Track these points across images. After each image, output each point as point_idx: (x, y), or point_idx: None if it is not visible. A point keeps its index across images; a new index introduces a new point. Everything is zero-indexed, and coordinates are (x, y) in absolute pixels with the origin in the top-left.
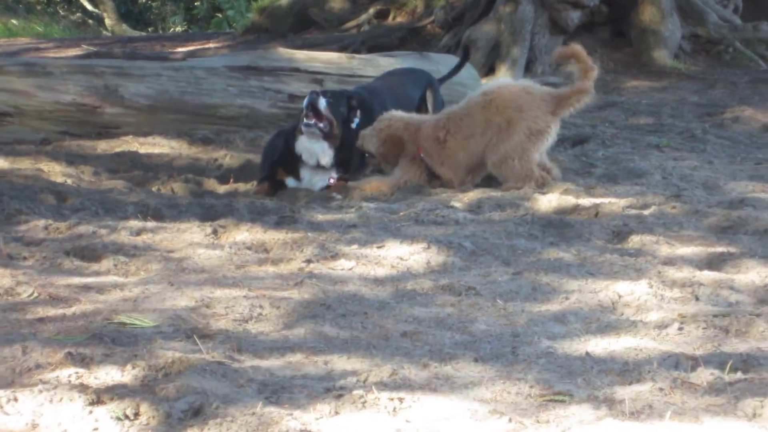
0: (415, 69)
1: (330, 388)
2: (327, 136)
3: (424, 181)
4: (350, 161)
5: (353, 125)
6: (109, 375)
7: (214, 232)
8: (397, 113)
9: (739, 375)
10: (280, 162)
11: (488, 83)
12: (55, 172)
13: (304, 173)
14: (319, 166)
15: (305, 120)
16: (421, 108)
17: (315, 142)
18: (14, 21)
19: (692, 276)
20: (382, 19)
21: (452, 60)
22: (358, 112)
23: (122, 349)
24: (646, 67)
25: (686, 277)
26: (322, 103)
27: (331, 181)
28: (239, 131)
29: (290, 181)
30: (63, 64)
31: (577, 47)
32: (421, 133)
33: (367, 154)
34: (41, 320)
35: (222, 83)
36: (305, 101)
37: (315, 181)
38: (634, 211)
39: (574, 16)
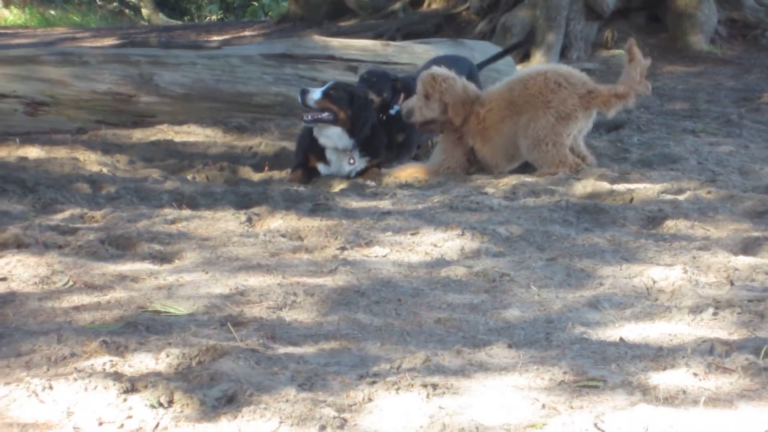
0: (458, 56)
1: (363, 375)
2: (334, 122)
3: (465, 167)
4: (372, 142)
5: (392, 110)
6: (143, 363)
7: (249, 219)
8: (447, 72)
9: None
10: (310, 148)
11: (526, 68)
12: (91, 161)
13: (331, 156)
14: (341, 150)
15: (303, 117)
16: None
17: (325, 130)
18: (52, 11)
19: (727, 261)
20: (417, 6)
21: (487, 46)
22: (402, 96)
23: (156, 337)
24: (681, 52)
25: (721, 262)
26: (312, 97)
27: (352, 161)
28: (274, 119)
29: (321, 167)
30: (99, 53)
31: (640, 55)
32: (474, 107)
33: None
34: (76, 309)
35: (257, 71)
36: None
37: (342, 164)
38: (668, 197)
39: (610, 2)
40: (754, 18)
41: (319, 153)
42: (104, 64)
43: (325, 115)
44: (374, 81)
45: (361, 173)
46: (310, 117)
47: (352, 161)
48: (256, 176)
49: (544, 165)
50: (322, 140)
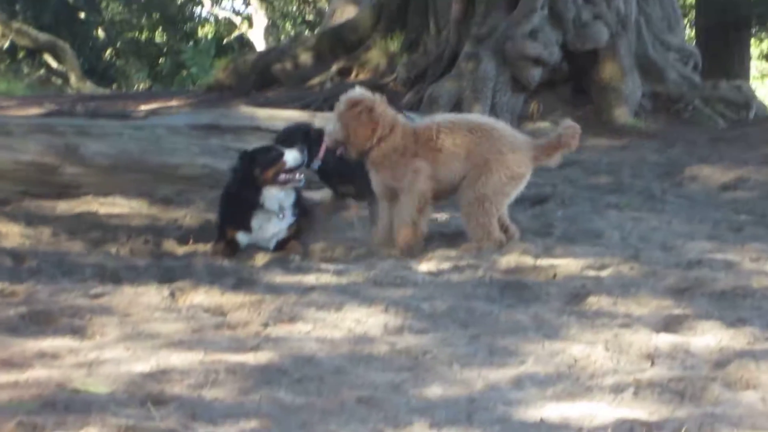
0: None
1: None
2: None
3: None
4: (300, 198)
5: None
6: None
7: (172, 294)
8: (367, 93)
9: None
10: (228, 219)
11: (478, 115)
12: (13, 233)
13: (255, 222)
14: (281, 208)
15: (298, 176)
16: None
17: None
18: None
19: (649, 339)
20: (344, 77)
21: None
22: (323, 147)
23: (75, 416)
24: (606, 125)
25: (642, 340)
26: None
27: (282, 216)
28: (200, 191)
29: (241, 236)
30: (23, 122)
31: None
32: (419, 132)
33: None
34: None
35: (183, 142)
36: (292, 159)
37: (268, 226)
38: (592, 273)
39: (536, 74)
40: (677, 92)
41: (239, 221)
42: (29, 134)
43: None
44: (285, 137)
45: (282, 243)
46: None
47: (281, 217)
48: (181, 249)
49: (473, 229)
50: (269, 203)
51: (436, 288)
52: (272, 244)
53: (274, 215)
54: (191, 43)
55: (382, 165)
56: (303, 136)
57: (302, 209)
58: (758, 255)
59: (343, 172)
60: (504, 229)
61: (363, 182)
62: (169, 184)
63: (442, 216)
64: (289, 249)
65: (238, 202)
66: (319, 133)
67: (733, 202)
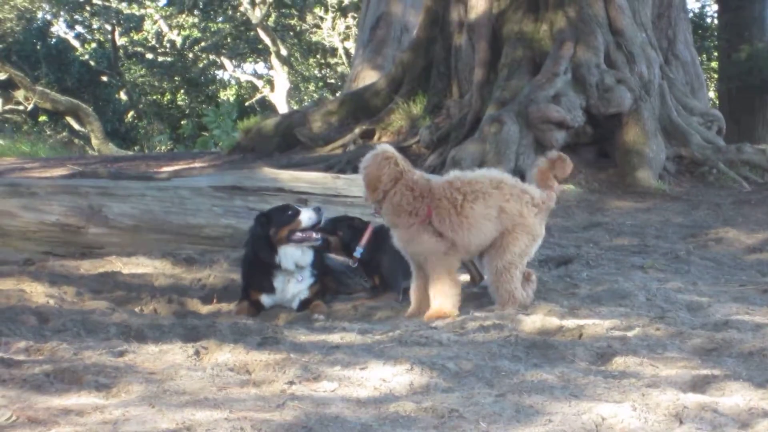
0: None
1: None
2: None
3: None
4: (317, 260)
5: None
6: None
7: (197, 353)
8: (389, 148)
9: None
10: (251, 282)
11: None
12: (38, 292)
13: (278, 283)
14: (299, 267)
15: (315, 235)
16: None
17: (305, 250)
18: (0, 141)
19: (676, 399)
20: (367, 139)
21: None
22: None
23: None
24: (630, 188)
25: (670, 400)
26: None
27: (300, 279)
28: (223, 251)
29: (265, 298)
30: (47, 184)
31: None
32: (434, 190)
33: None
34: None
35: (207, 203)
36: (311, 218)
37: (288, 287)
38: (618, 333)
39: (559, 137)
40: (701, 155)
41: (262, 282)
42: (53, 195)
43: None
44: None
45: (305, 303)
46: (321, 236)
47: (300, 278)
48: (205, 309)
49: (501, 294)
50: (285, 261)
51: (462, 347)
52: (296, 304)
53: (294, 275)
54: (213, 105)
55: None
56: (348, 224)
57: (324, 269)
58: None
59: (373, 263)
60: (525, 277)
61: (390, 273)
62: (193, 244)
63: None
64: (312, 308)
65: (258, 263)
66: (364, 224)
67: (758, 264)
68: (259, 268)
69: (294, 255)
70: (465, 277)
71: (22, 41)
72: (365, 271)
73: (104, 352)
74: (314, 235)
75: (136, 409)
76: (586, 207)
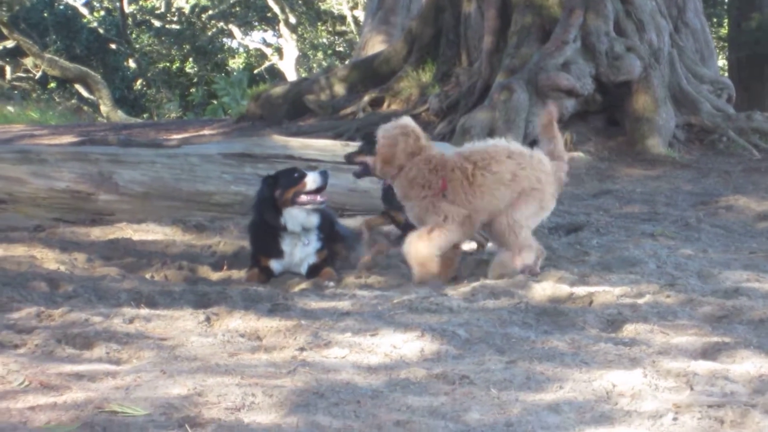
0: None
1: None
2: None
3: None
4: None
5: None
6: None
7: (207, 319)
8: (409, 122)
9: None
10: (260, 247)
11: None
12: (49, 259)
13: (286, 246)
14: (306, 230)
15: (319, 198)
16: None
17: (295, 211)
18: (10, 108)
19: (687, 366)
20: (376, 107)
21: (446, 147)
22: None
23: None
24: (640, 156)
25: (681, 367)
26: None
27: (307, 243)
28: (233, 218)
29: (274, 264)
30: (57, 151)
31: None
32: (448, 162)
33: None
34: (32, 409)
35: (216, 170)
36: (316, 180)
37: (296, 251)
38: (628, 300)
39: (569, 105)
40: (711, 123)
41: (270, 247)
42: (63, 162)
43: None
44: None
45: (314, 269)
46: (324, 199)
47: (306, 242)
48: (215, 275)
49: (510, 244)
50: (291, 224)
51: (472, 314)
52: (304, 269)
53: (300, 238)
54: (222, 73)
55: (407, 197)
56: None
57: (334, 236)
58: None
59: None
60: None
61: None
62: (203, 211)
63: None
64: (323, 275)
65: (265, 226)
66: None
67: None
68: (266, 232)
69: (299, 217)
70: (472, 245)
71: (30, 9)
72: (390, 204)
73: (115, 319)
74: (318, 198)
75: (148, 374)
76: (595, 174)
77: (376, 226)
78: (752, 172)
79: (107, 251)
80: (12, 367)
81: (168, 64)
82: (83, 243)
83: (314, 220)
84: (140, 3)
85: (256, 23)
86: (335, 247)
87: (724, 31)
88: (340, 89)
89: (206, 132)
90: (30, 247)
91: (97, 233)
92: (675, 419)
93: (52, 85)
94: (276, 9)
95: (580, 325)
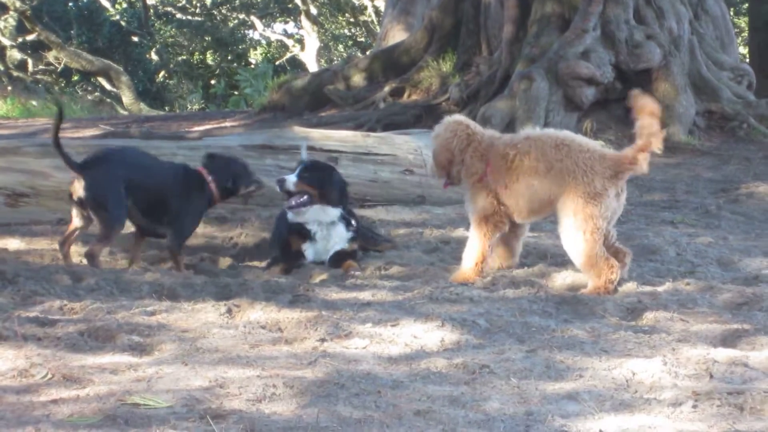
0: None
1: None
2: (311, 202)
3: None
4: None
5: None
6: None
7: (229, 311)
8: (462, 118)
9: None
10: (291, 231)
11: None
12: (71, 252)
13: (315, 229)
14: (327, 222)
15: (285, 204)
16: None
17: (306, 212)
18: (33, 102)
19: (707, 353)
20: (397, 97)
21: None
22: None
23: (136, 430)
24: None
25: (700, 355)
26: (290, 182)
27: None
28: (254, 209)
29: (307, 247)
30: (80, 144)
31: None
32: (493, 148)
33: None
34: (54, 402)
35: None
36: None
37: (330, 235)
38: (648, 288)
39: (589, 93)
40: (731, 110)
41: (303, 232)
42: (85, 155)
43: (304, 198)
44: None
45: (339, 256)
46: (293, 203)
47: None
48: (237, 267)
49: (577, 256)
50: (310, 226)
51: (492, 303)
52: (329, 256)
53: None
54: (243, 64)
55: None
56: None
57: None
58: None
59: None
60: (616, 252)
61: None
62: (224, 203)
63: None
64: (346, 268)
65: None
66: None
67: None
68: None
69: (306, 216)
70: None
71: (53, 2)
72: None
73: (137, 311)
74: (291, 201)
75: (170, 366)
76: None
77: None
78: None
79: (129, 244)
80: (35, 360)
81: (189, 56)
82: None
83: (331, 213)
84: None
85: (278, 14)
86: (363, 240)
87: (744, 18)
88: (360, 80)
89: (228, 123)
90: (53, 240)
91: None
92: (695, 407)
93: (76, 78)
94: (297, 0)
95: (600, 313)
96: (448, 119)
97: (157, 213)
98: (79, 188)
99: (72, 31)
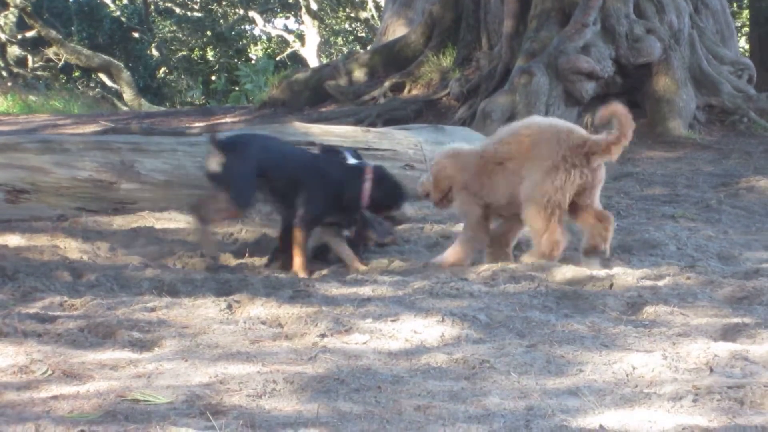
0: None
1: None
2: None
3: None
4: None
5: None
6: None
7: (229, 307)
8: (452, 147)
9: None
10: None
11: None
12: (72, 248)
13: None
14: None
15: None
16: None
17: None
18: (33, 98)
19: (707, 347)
20: (397, 92)
21: (466, 132)
22: None
23: (136, 426)
24: (660, 137)
25: (701, 349)
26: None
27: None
28: (255, 205)
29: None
30: (80, 140)
31: (618, 106)
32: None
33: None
34: (55, 398)
35: None
36: None
37: None
38: (648, 282)
39: (589, 87)
40: (731, 104)
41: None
42: (85, 152)
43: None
44: None
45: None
46: None
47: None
48: (237, 263)
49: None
50: None
51: (492, 298)
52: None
53: None
54: (243, 60)
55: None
56: None
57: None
58: None
59: None
60: (598, 217)
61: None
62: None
63: None
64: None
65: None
66: None
67: None
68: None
69: None
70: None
71: None
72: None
73: (138, 307)
74: None
75: (170, 362)
76: None
77: None
78: None
79: (130, 240)
80: (35, 357)
81: (189, 52)
82: (106, 232)
83: None
84: None
85: (278, 10)
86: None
87: (746, 11)
88: (361, 75)
89: (228, 119)
90: (53, 236)
91: (120, 222)
92: (695, 401)
93: (76, 74)
94: None
95: (601, 308)
96: (442, 152)
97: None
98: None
99: (72, 28)
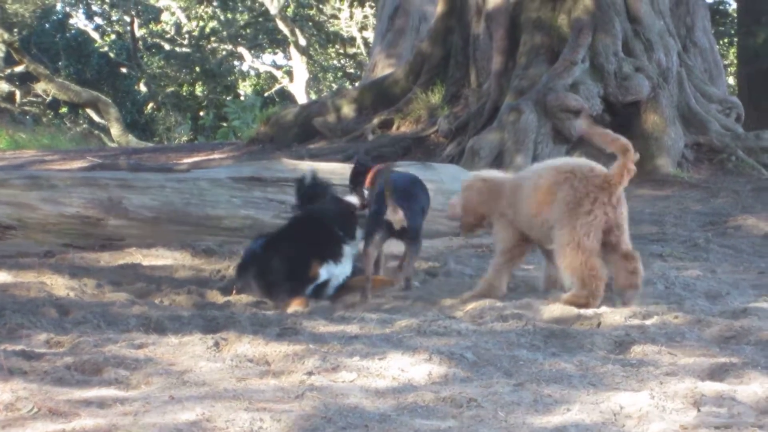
0: None
1: None
2: None
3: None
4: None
5: None
6: None
7: (216, 344)
8: (482, 173)
9: None
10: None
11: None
12: (58, 285)
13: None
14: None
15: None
16: None
17: None
18: (21, 134)
19: (694, 387)
20: (386, 129)
21: (455, 169)
22: None
23: None
24: (649, 176)
25: (688, 388)
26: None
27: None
28: (243, 242)
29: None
30: (67, 176)
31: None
32: (505, 186)
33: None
34: None
35: (226, 194)
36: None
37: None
38: (636, 321)
39: (577, 125)
40: (720, 142)
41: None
42: (72, 188)
43: None
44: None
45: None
46: None
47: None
48: (224, 300)
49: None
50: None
51: (480, 337)
52: (331, 291)
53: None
54: (232, 96)
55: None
56: None
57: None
58: None
59: None
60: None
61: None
62: (212, 235)
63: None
64: (355, 282)
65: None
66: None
67: None
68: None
69: None
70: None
71: (41, 33)
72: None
73: (124, 344)
74: None
75: (156, 400)
76: None
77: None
78: (761, 191)
79: (117, 276)
80: (21, 394)
81: (177, 88)
82: (93, 269)
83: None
84: (150, 27)
85: (266, 45)
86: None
87: (733, 50)
88: (349, 111)
89: (216, 155)
90: (40, 272)
91: (107, 258)
92: None
93: (64, 110)
94: (286, 31)
95: (588, 346)
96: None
97: None
98: (400, 219)
99: (60, 63)
